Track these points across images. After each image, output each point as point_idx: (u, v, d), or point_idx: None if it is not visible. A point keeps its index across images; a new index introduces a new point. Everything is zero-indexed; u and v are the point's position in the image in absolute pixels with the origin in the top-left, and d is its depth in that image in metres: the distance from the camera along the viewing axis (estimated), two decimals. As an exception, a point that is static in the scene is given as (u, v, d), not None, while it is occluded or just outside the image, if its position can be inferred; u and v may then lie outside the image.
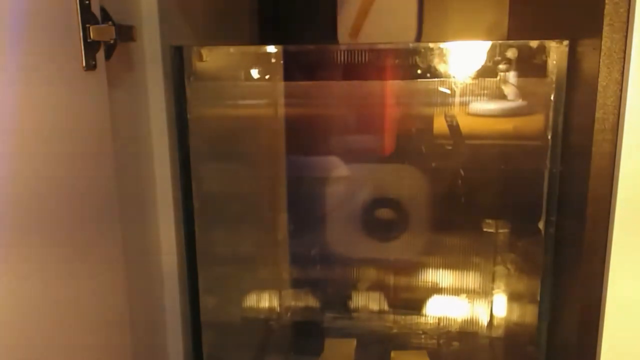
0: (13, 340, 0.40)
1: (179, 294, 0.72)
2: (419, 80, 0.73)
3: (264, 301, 0.94)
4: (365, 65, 0.72)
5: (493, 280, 0.85)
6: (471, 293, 0.87)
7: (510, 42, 0.68)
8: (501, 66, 0.69)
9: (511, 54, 0.68)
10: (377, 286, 0.90)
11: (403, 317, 0.90)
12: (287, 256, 0.92)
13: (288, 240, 0.92)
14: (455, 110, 0.78)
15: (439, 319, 0.89)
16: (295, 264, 0.93)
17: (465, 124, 0.79)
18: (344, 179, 0.88)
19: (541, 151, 0.68)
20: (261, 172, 0.91)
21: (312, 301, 0.93)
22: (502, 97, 0.73)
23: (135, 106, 0.64)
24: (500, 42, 0.68)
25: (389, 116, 0.83)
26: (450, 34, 1.01)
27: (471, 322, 0.88)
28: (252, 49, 0.84)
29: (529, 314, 0.76)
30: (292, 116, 0.87)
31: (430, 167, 0.83)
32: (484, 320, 0.88)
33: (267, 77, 0.77)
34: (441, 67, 0.70)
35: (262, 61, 0.76)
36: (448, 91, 0.75)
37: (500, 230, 0.83)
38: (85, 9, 0.47)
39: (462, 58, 0.69)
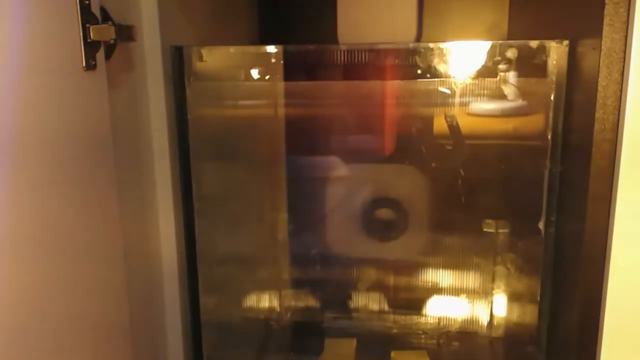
0: (13, 341, 0.40)
1: (179, 294, 0.72)
2: (419, 80, 0.74)
3: (264, 301, 0.94)
4: (365, 65, 0.72)
5: (493, 280, 0.85)
6: (471, 293, 0.87)
7: (510, 42, 0.68)
8: (501, 66, 0.69)
9: (511, 54, 0.68)
10: (377, 286, 0.90)
11: (403, 317, 0.90)
12: (287, 256, 0.92)
13: (288, 240, 0.92)
14: (455, 110, 0.78)
15: (439, 319, 0.89)
16: (295, 264, 0.93)
17: (465, 124, 0.79)
18: (344, 179, 0.88)
19: (541, 151, 0.68)
20: (261, 172, 0.91)
21: (312, 301, 0.93)
22: (502, 97, 0.73)
23: (135, 106, 0.64)
24: (500, 42, 0.68)
25: (389, 116, 0.83)
26: (450, 34, 1.01)
27: (471, 322, 0.88)
28: (252, 49, 0.84)
29: (529, 314, 0.76)
30: (292, 116, 0.87)
31: (430, 167, 0.83)
32: (484, 320, 0.88)
33: (267, 77, 0.77)
34: (441, 67, 0.70)
35: (262, 61, 0.76)
36: (448, 91, 0.75)
37: (500, 230, 0.83)
38: (85, 9, 0.47)
39: (462, 58, 0.69)
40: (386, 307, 0.91)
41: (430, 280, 0.88)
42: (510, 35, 0.97)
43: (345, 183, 0.88)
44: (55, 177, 0.44)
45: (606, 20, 0.51)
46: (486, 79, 0.72)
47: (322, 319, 0.92)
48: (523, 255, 0.81)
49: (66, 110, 0.46)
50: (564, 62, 0.64)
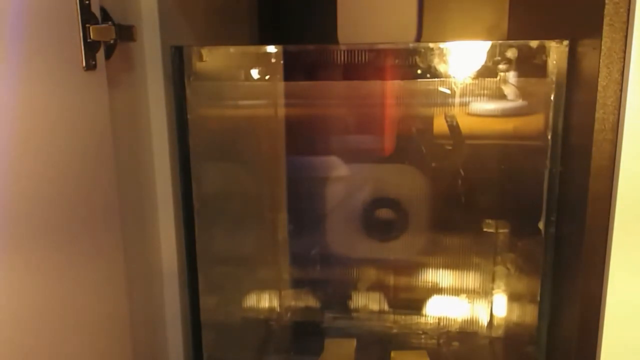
0: (13, 341, 0.40)
1: (179, 294, 0.72)
2: (419, 80, 0.73)
3: (264, 301, 0.94)
4: (365, 65, 0.72)
5: (493, 280, 0.85)
6: (471, 293, 0.87)
7: (510, 42, 0.68)
8: (501, 66, 0.69)
9: (511, 54, 0.68)
10: (377, 286, 0.90)
11: (403, 317, 0.90)
12: (287, 256, 0.92)
13: (288, 240, 0.92)
14: (455, 110, 0.78)
15: (439, 319, 0.89)
16: (295, 264, 0.93)
17: (465, 124, 0.79)
18: (344, 179, 0.88)
19: (541, 151, 0.68)
20: (261, 172, 0.91)
21: (312, 301, 0.93)
22: (502, 97, 0.73)
23: (135, 106, 0.64)
24: (500, 42, 0.68)
25: (389, 116, 0.83)
26: (450, 34, 1.01)
27: (471, 322, 0.88)
28: (252, 49, 0.84)
29: (529, 314, 0.76)
30: (292, 116, 0.87)
31: (430, 167, 0.83)
32: (484, 320, 0.88)
33: (267, 77, 0.77)
34: (441, 67, 0.70)
35: (262, 61, 0.76)
36: (448, 91, 0.75)
37: (500, 230, 0.83)
38: (85, 9, 0.47)
39: (462, 58, 0.69)
40: (386, 307, 0.91)
41: (430, 280, 0.88)
42: (510, 35, 0.97)
43: (345, 183, 0.88)
44: (54, 177, 0.44)
45: (606, 20, 0.51)
46: (486, 79, 0.72)
47: (322, 319, 0.92)
48: (523, 255, 0.81)
49: (66, 110, 0.46)
50: (564, 62, 0.64)
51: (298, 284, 0.93)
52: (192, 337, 0.76)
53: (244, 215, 0.88)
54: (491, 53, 0.68)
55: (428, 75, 0.70)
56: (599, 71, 0.52)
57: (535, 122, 0.71)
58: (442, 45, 0.68)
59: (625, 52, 0.51)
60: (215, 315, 0.79)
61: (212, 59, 0.73)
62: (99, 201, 0.51)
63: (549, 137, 0.67)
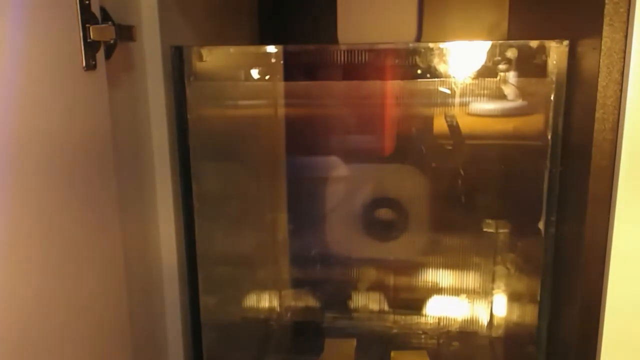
0: (12, 342, 0.40)
1: (179, 294, 0.72)
2: (419, 80, 0.73)
3: (264, 301, 0.94)
4: (365, 65, 0.72)
5: (493, 280, 0.85)
6: (471, 293, 0.87)
7: (510, 42, 0.68)
8: (501, 66, 0.69)
9: (511, 54, 0.68)
10: (377, 286, 0.90)
11: (403, 317, 0.90)
12: (287, 256, 0.92)
13: (288, 240, 0.92)
14: (455, 110, 0.78)
15: (439, 319, 0.89)
16: (295, 264, 0.93)
17: (465, 124, 0.79)
18: (344, 179, 0.88)
19: (541, 151, 0.68)
20: (261, 172, 0.91)
21: (312, 301, 0.93)
22: (502, 97, 0.73)
23: (135, 106, 0.64)
24: (500, 42, 0.68)
25: (389, 116, 0.83)
26: (450, 34, 1.01)
27: (471, 322, 0.88)
28: (252, 49, 0.84)
29: (529, 314, 0.76)
30: (292, 116, 0.87)
31: (430, 167, 0.83)
32: (484, 320, 0.88)
33: (267, 77, 0.77)
34: (441, 67, 0.70)
35: (262, 61, 0.76)
36: (448, 91, 0.75)
37: (500, 230, 0.83)
38: (85, 9, 0.47)
39: (462, 58, 0.69)
40: (386, 307, 0.91)
41: (430, 280, 0.88)
42: (510, 35, 0.97)
43: (345, 183, 0.88)
44: (55, 178, 0.44)
45: (606, 20, 0.51)
46: (486, 79, 0.72)
47: (322, 319, 0.92)
48: (523, 255, 0.81)
49: (66, 110, 0.46)
50: (564, 62, 0.64)
51: (298, 284, 0.93)
52: (192, 337, 0.76)
53: (244, 215, 0.88)
54: (491, 53, 0.68)
55: (428, 75, 0.70)
56: (599, 71, 0.52)
57: (535, 122, 0.71)
58: (442, 45, 0.68)
59: (625, 52, 0.51)
60: (215, 315, 0.79)
61: (212, 59, 0.73)
62: (98, 201, 0.51)
63: (549, 137, 0.67)
